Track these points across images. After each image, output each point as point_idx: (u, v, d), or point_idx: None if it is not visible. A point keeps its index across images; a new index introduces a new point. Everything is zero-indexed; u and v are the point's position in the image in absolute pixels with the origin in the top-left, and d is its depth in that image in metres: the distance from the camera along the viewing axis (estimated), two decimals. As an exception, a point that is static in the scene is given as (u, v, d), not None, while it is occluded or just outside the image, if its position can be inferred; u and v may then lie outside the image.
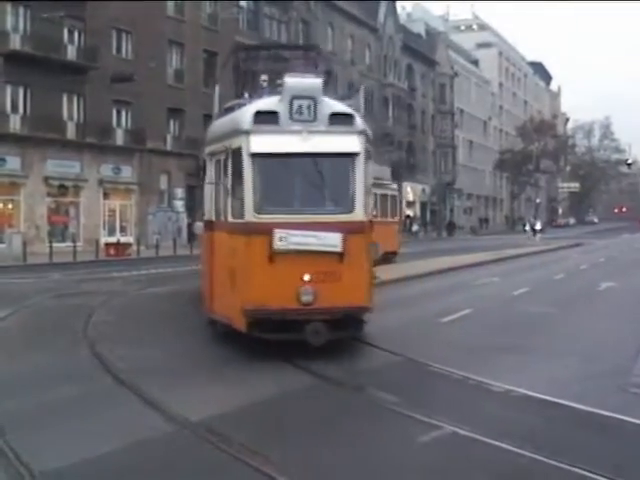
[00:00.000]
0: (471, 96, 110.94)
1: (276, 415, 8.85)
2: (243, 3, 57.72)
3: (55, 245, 37.75)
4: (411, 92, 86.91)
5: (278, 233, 11.48)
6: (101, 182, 45.47)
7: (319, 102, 11.92)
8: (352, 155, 11.98)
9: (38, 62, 40.45)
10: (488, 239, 70.35)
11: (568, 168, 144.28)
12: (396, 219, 36.28)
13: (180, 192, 51.12)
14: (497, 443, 7.71)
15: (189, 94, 51.41)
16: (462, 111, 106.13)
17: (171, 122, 51.12)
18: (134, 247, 41.31)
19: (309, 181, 12.02)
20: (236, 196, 12.11)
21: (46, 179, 42.20)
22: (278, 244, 11.48)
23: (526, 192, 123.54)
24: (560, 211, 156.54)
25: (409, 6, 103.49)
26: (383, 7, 80.00)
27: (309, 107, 11.87)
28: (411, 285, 24.67)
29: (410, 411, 8.80)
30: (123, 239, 43.86)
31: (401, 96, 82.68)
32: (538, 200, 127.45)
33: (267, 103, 12.18)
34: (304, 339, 11.48)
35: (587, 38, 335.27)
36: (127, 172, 47.17)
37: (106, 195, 46.36)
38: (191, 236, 49.54)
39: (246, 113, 12.22)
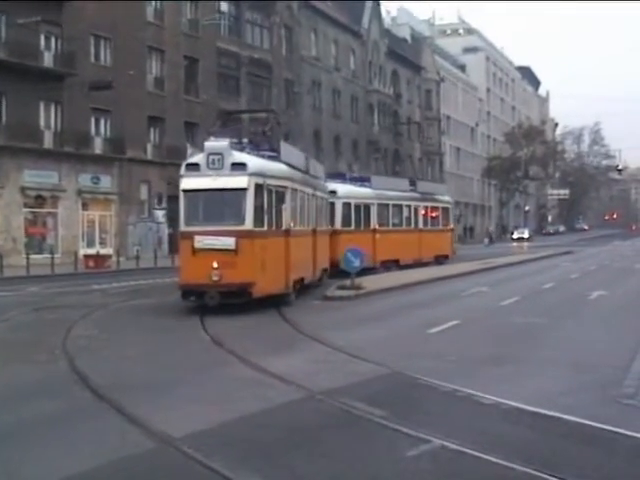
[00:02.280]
0: (458, 102, 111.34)
1: (260, 430, 8.83)
2: (225, 8, 57.87)
3: (32, 257, 37.63)
4: (397, 98, 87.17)
5: (197, 237, 19.33)
6: (80, 192, 45.34)
7: (225, 156, 19.56)
8: (243, 189, 19.50)
9: (14, 69, 40.40)
10: (476, 248, 70.43)
11: (557, 175, 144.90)
12: (449, 228, 44.41)
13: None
14: (487, 457, 7.73)
15: (169, 102, 51.46)
16: (449, 117, 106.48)
17: (151, 130, 51.11)
18: (114, 259, 41.20)
19: (217, 205, 19.81)
20: (179, 215, 20.22)
21: (23, 189, 42.06)
22: (197, 244, 19.29)
23: (515, 199, 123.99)
24: (549, 218, 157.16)
25: (394, 10, 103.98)
26: (367, 11, 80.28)
27: (219, 160, 19.53)
28: (398, 295, 24.72)
29: (398, 425, 8.82)
30: (102, 250, 43.75)
31: (386, 102, 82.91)
32: (527, 207, 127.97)
33: (194, 158, 20.14)
34: (206, 302, 19.18)
35: (576, 42, 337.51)
36: (106, 182, 47.09)
37: (85, 205, 46.22)
38: (173, 247, 49.54)
39: (183, 165, 20.41)
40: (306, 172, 25.32)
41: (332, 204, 31.80)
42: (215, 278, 19.08)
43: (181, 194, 19.96)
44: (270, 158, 21.69)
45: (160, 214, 51.07)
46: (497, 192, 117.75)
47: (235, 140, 21.35)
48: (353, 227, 33.76)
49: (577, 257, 51.11)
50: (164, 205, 51.16)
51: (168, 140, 51.16)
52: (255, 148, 21.89)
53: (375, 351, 13.71)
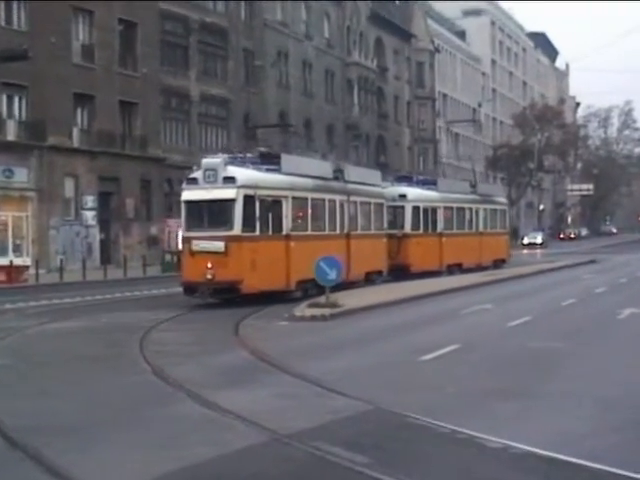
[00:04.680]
0: (456, 77, 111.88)
1: (214, 482, 8.80)
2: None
3: None
4: (381, 73, 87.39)
5: (194, 241, 27.07)
6: (-12, 188, 45.07)
7: (219, 171, 26.96)
8: (232, 200, 26.75)
9: None
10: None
11: (579, 166, 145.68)
12: (505, 230, 52.62)
13: (91, 200, 50.82)
14: (493, 513, 7.75)
15: (101, 76, 51.27)
16: (445, 96, 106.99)
17: (78, 111, 50.91)
18: (31, 271, 40.97)
19: (211, 214, 27.55)
20: (181, 222, 28.66)
21: None
22: (194, 247, 27.01)
23: (527, 196, 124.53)
24: (569, 220, 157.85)
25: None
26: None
27: (213, 174, 26.97)
28: (383, 314, 24.79)
29: (384, 474, 8.79)
30: (17, 261, 43.40)
31: (369, 78, 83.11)
32: (541, 206, 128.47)
33: (194, 174, 27.92)
34: (200, 297, 27.19)
35: (601, 2, 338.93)
36: (22, 175, 46.80)
37: (-5, 205, 45.95)
38: (105, 256, 49.31)
39: (185, 179, 28.56)
40: (332, 180, 33.18)
41: (402, 208, 40.37)
42: (209, 276, 26.44)
43: (182, 204, 28.18)
44: (269, 170, 29.13)
45: (90, 215, 50.83)
46: (505, 187, 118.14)
47: (240, 155, 29.92)
48: (421, 231, 41.06)
49: (603, 267, 51.38)
50: (95, 204, 50.97)
51: (99, 123, 50.97)
52: (256, 162, 29.43)
53: (355, 383, 13.73)
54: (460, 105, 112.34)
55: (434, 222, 42.26)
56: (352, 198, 33.91)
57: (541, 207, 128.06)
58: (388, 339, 19.67)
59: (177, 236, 55.84)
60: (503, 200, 54.77)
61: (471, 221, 46.98)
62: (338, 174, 33.90)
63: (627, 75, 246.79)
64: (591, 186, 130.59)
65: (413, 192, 41.67)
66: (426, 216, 41.61)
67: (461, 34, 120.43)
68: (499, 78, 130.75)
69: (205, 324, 22.83)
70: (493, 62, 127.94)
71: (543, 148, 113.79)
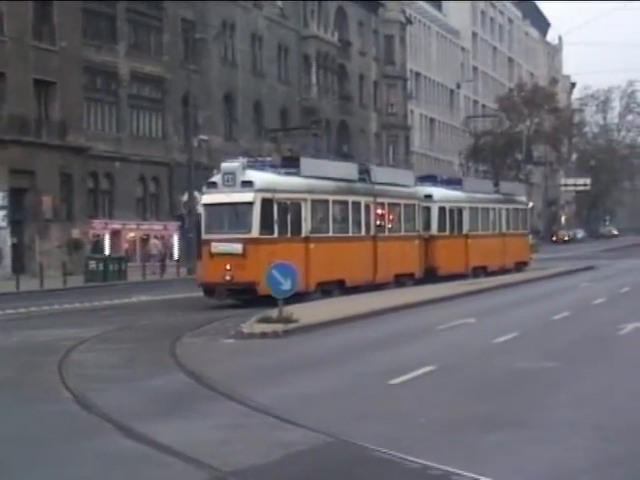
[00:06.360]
0: (431, 53, 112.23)
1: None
2: None
3: None
4: (344, 48, 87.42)
5: (213, 244, 32.12)
6: None
7: (237, 175, 31.98)
8: (250, 203, 31.69)
9: None
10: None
11: (574, 157, 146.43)
12: (526, 231, 58.40)
13: (0, 198, 50.47)
14: None
15: (11, 50, 50.96)
16: (418, 75, 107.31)
17: (-15, 93, 50.60)
18: None
19: (229, 217, 33.11)
20: (201, 225, 33.68)
21: None
22: (213, 249, 32.08)
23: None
24: (563, 220, 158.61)
25: None
26: None
27: (232, 178, 31.99)
28: (346, 330, 24.79)
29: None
30: None
31: (329, 54, 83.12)
32: (531, 204, 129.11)
33: (214, 178, 33.47)
34: (216, 298, 32.93)
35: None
36: None
37: None
38: (18, 264, 49.00)
39: (206, 183, 34.52)
40: (357, 182, 38.32)
41: (428, 209, 44.52)
42: (227, 278, 31.62)
43: (202, 208, 33.73)
44: (288, 174, 34.36)
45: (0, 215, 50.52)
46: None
47: (260, 159, 35.35)
48: (447, 232, 45.81)
49: (602, 274, 51.72)
50: (5, 202, 50.63)
51: (10, 107, 50.69)
52: (276, 165, 34.77)
53: (312, 412, 13.76)
54: (436, 85, 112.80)
55: (460, 223, 46.78)
56: (379, 199, 39.02)
57: (530, 205, 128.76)
58: (351, 360, 19.68)
59: (105, 241, 55.95)
60: (524, 199, 60.26)
61: (494, 222, 51.58)
62: (365, 176, 39.19)
63: (630, 50, 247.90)
64: (588, 180, 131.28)
65: (439, 192, 46.10)
66: (452, 217, 46.20)
67: (437, 3, 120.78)
68: (481, 54, 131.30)
69: (136, 342, 22.75)
70: (474, 35, 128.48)
71: (532, 136, 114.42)
